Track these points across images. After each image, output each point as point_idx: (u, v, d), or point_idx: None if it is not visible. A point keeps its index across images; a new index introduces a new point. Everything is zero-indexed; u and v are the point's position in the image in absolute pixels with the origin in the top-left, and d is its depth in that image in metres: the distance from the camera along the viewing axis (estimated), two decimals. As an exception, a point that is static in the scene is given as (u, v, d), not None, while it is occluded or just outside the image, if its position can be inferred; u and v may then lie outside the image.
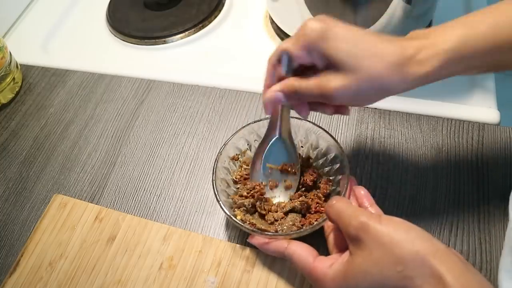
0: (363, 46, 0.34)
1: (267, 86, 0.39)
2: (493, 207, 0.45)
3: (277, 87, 0.38)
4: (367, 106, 0.54)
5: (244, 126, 0.47)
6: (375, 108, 0.54)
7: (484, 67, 0.35)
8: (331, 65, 0.35)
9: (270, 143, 0.44)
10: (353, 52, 0.34)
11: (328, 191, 0.44)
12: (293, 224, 0.42)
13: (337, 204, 0.36)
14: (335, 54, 0.34)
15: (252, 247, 0.44)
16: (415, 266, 0.30)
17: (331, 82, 0.35)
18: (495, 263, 0.41)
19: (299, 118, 0.46)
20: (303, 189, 0.45)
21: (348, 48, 0.34)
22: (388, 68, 0.33)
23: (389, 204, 0.46)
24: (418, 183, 0.47)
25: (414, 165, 0.49)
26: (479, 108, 0.52)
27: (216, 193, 0.42)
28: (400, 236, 0.31)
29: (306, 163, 0.47)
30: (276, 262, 0.43)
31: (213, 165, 0.44)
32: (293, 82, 0.37)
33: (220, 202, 0.42)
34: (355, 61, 0.34)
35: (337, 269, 0.34)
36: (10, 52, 0.63)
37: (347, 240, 0.34)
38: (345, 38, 0.34)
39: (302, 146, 0.48)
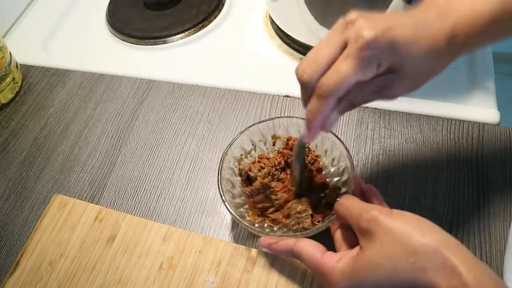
0: (424, 46, 0.32)
1: (324, 119, 0.33)
2: (493, 207, 0.45)
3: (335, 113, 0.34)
4: (367, 106, 0.54)
5: (249, 127, 0.47)
6: (375, 108, 0.54)
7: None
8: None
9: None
10: (420, 57, 0.32)
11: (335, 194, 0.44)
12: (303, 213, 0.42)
13: (348, 201, 0.36)
14: (405, 63, 0.32)
15: (253, 247, 0.44)
16: (427, 257, 0.30)
17: (395, 90, 0.34)
18: (495, 263, 0.41)
19: (303, 119, 0.46)
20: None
21: (416, 52, 0.31)
22: (438, 60, 0.33)
23: (389, 204, 0.46)
24: (418, 183, 0.47)
25: (414, 165, 0.49)
26: (479, 108, 0.52)
27: (222, 194, 0.42)
28: (412, 228, 0.31)
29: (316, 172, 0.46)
30: (276, 262, 0.43)
31: (218, 165, 0.44)
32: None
33: (226, 202, 0.42)
34: (419, 65, 0.33)
35: (345, 263, 0.34)
36: (10, 52, 0.63)
37: (358, 234, 0.34)
38: (410, 40, 0.31)
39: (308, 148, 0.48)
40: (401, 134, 0.51)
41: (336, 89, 0.31)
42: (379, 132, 0.52)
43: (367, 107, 0.54)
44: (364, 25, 0.30)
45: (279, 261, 0.43)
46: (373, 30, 0.30)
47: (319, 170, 0.46)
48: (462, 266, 0.29)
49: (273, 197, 0.43)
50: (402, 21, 0.32)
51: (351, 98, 0.34)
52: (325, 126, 0.34)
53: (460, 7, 0.33)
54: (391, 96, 0.35)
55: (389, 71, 0.33)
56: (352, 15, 0.32)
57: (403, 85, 0.34)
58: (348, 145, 0.51)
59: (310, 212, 0.42)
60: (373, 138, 0.51)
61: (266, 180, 0.44)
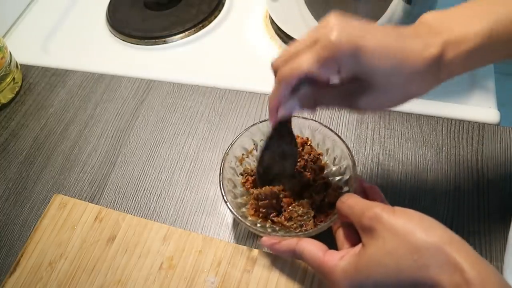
0: (395, 61, 0.31)
1: (278, 104, 0.36)
2: (493, 207, 0.45)
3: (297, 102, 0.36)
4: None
5: (249, 127, 0.47)
6: (375, 108, 0.54)
7: (503, 57, 0.34)
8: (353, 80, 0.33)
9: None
10: (388, 71, 0.31)
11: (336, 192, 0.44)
12: (304, 215, 0.42)
13: (350, 199, 0.36)
14: (369, 74, 0.32)
15: (253, 247, 0.44)
16: (430, 254, 0.30)
17: (362, 102, 0.34)
18: (495, 263, 0.41)
19: (304, 118, 0.46)
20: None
21: (383, 66, 0.31)
22: (421, 81, 0.32)
23: (389, 204, 0.46)
24: (418, 183, 0.47)
25: (414, 165, 0.49)
26: (479, 108, 0.52)
27: (223, 194, 0.42)
28: (414, 225, 0.31)
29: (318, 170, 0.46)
30: (276, 262, 0.43)
31: (220, 165, 0.44)
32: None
33: (228, 202, 0.42)
34: (389, 80, 0.32)
35: (348, 261, 0.33)
36: (10, 52, 0.63)
37: (360, 232, 0.34)
38: (377, 53, 0.31)
39: (308, 144, 0.48)
40: (401, 134, 0.51)
41: (289, 75, 0.33)
42: (379, 132, 0.52)
43: (367, 107, 0.54)
44: (335, 27, 0.31)
45: (279, 260, 0.43)
46: (340, 34, 0.31)
47: (321, 169, 0.46)
48: (465, 263, 0.28)
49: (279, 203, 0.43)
50: (382, 33, 0.32)
51: (316, 95, 0.36)
52: (283, 111, 0.36)
53: (451, 27, 0.33)
54: (359, 107, 0.35)
55: (356, 79, 0.33)
56: (332, 16, 0.32)
57: (372, 99, 0.34)
58: (348, 145, 0.51)
59: (312, 214, 0.42)
60: (373, 138, 0.52)
61: (276, 189, 0.43)
